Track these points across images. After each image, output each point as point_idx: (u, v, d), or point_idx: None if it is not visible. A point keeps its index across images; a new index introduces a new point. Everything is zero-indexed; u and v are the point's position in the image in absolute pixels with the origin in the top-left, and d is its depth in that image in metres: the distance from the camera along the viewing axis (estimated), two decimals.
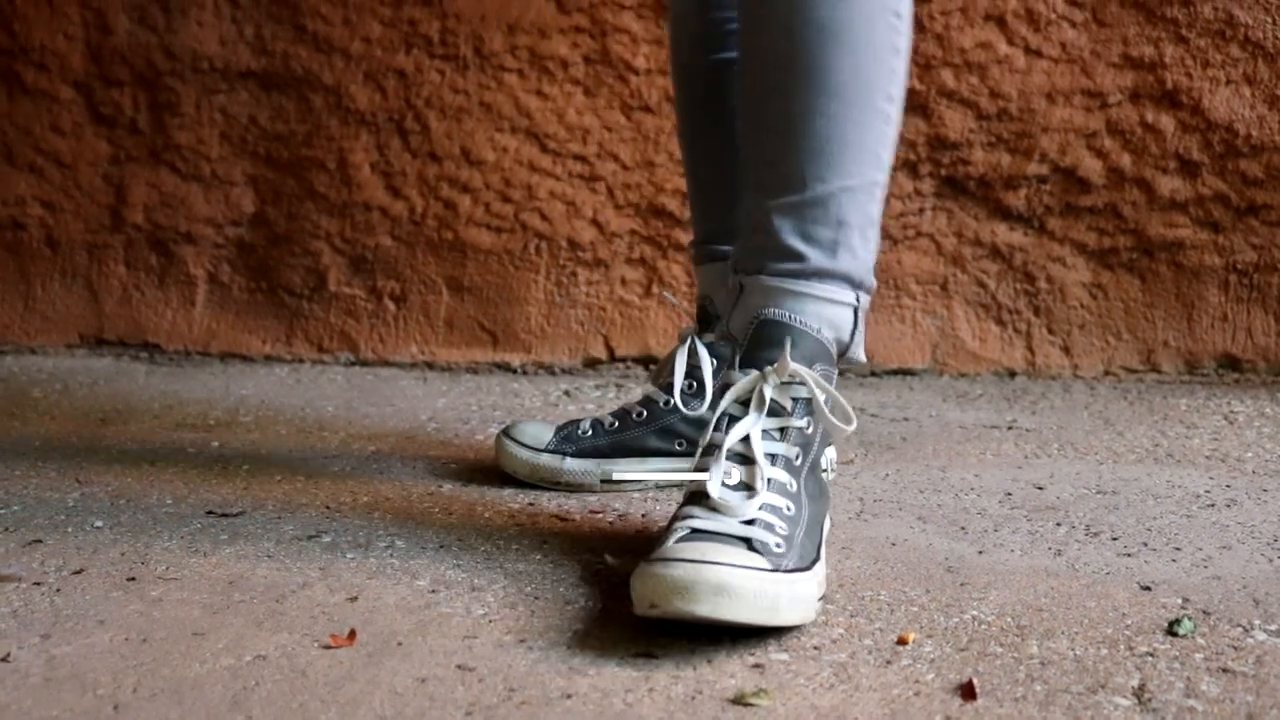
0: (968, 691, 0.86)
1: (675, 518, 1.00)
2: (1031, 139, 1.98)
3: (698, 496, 1.00)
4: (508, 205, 2.13)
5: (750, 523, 0.96)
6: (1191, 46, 1.93)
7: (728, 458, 1.01)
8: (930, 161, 2.02)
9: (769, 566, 0.92)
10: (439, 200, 2.14)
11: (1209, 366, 1.96)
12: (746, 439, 1.01)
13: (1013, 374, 2.02)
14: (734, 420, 1.03)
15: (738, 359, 1.05)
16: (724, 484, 1.00)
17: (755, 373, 1.03)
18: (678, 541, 0.94)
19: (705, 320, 1.37)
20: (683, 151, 1.44)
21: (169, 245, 2.22)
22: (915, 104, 2.01)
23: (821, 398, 1.03)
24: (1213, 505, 1.31)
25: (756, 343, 1.05)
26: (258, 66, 2.17)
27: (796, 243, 1.05)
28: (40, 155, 2.25)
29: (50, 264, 2.26)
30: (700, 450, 1.04)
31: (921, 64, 2.00)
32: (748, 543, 0.94)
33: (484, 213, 2.13)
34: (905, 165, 2.03)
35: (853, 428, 1.05)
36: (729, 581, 0.89)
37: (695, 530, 0.96)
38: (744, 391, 1.03)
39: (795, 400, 1.03)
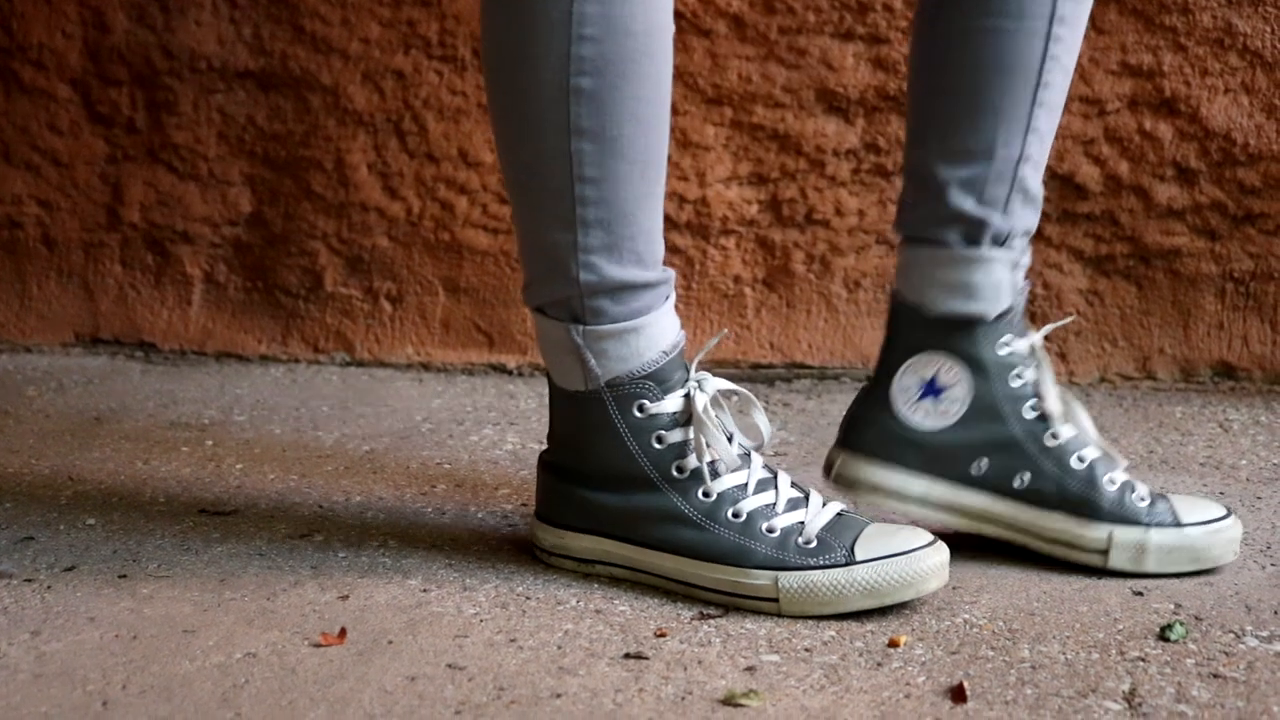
0: (958, 694, 0.86)
1: None
2: None
3: None
4: (505, 207, 2.13)
5: None
6: (1190, 55, 1.93)
7: None
8: None
9: None
10: (436, 201, 2.14)
11: (1205, 374, 1.97)
12: None
13: None
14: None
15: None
16: None
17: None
18: None
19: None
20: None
21: (165, 244, 2.22)
22: None
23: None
24: None
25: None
26: (256, 66, 2.17)
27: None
28: (37, 154, 2.24)
29: (46, 262, 2.26)
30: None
31: None
32: None
33: (481, 214, 2.13)
34: (902, 170, 2.02)
35: None
36: None
37: None
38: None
39: None
